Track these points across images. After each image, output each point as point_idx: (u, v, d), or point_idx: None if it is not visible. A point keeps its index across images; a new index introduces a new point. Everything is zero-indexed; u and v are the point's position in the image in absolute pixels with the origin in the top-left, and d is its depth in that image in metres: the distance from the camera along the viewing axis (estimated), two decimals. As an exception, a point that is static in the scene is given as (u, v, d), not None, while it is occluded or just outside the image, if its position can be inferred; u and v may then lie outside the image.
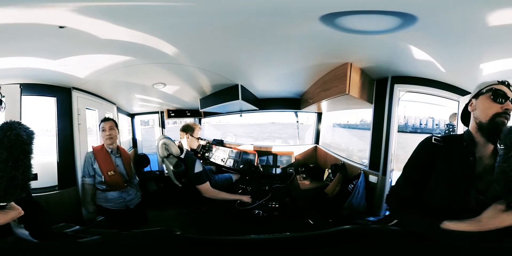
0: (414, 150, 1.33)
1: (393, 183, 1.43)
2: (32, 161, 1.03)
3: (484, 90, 1.24)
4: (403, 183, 1.34)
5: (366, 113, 2.78)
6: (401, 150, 2.50)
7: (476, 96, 1.27)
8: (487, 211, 1.05)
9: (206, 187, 2.62)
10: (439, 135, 1.32)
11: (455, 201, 1.17)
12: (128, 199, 2.48)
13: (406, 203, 1.29)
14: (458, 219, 1.09)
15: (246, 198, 2.74)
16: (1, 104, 1.25)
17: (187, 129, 2.79)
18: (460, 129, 2.34)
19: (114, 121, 2.55)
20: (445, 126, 3.03)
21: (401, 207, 1.31)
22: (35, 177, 1.09)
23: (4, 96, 1.29)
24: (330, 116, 3.91)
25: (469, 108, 1.30)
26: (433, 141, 1.28)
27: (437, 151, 1.26)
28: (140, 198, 2.62)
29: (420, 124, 3.85)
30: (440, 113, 2.53)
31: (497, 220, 1.01)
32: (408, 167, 1.34)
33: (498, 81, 1.24)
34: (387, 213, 2.43)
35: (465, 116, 1.36)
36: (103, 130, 2.47)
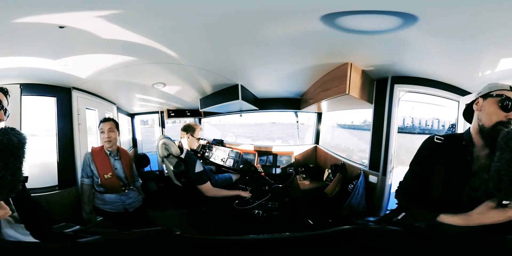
0: (418, 147, 1.42)
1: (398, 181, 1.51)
2: (32, 161, 1.09)
3: (494, 94, 1.23)
4: (410, 178, 1.43)
5: (370, 113, 2.77)
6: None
7: (485, 96, 1.27)
8: (479, 207, 1.11)
9: (207, 187, 2.63)
10: (441, 134, 1.38)
11: (450, 196, 1.25)
12: (128, 202, 2.42)
13: (413, 197, 1.38)
14: (451, 212, 1.17)
15: (245, 193, 2.78)
16: (5, 113, 1.26)
17: (188, 129, 2.79)
18: (460, 128, 2.34)
19: (115, 122, 2.45)
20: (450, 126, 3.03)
21: (409, 200, 1.40)
22: (25, 179, 1.14)
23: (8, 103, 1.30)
24: (333, 116, 3.91)
25: (474, 107, 1.31)
26: (435, 140, 1.35)
27: (438, 149, 1.33)
28: (141, 202, 2.54)
29: (426, 125, 3.85)
30: (445, 114, 2.52)
31: (485, 216, 1.08)
32: (414, 164, 1.43)
33: (510, 87, 1.24)
34: (387, 212, 2.44)
35: (468, 113, 1.39)
36: (101, 132, 2.37)
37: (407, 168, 1.46)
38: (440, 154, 1.32)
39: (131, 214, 2.42)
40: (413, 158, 1.44)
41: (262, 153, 3.75)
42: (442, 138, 1.35)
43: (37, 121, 2.64)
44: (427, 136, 1.41)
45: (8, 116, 1.27)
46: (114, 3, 1.44)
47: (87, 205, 2.40)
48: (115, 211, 2.37)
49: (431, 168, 1.33)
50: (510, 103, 1.18)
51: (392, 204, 2.45)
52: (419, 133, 3.72)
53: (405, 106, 2.63)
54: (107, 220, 2.44)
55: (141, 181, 2.65)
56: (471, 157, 1.27)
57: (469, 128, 1.33)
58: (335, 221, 2.56)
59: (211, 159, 3.99)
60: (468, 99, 1.41)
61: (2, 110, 1.21)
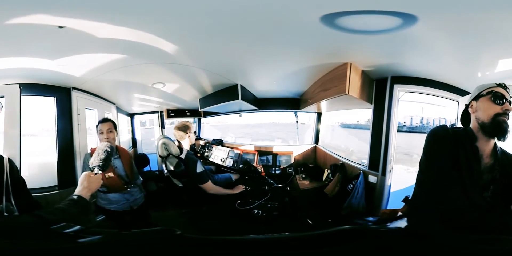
0: (431, 144, 1.29)
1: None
2: (32, 161, 1.11)
3: (484, 93, 1.30)
4: (438, 185, 1.21)
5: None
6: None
7: (476, 98, 1.33)
8: None
9: (209, 185, 2.67)
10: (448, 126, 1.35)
11: (467, 197, 1.18)
12: (131, 200, 2.43)
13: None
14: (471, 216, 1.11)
15: (240, 188, 2.88)
16: None
17: (186, 128, 2.81)
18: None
19: (113, 122, 2.43)
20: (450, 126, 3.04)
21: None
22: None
23: (3, 97, 1.30)
24: (337, 116, 3.90)
25: (470, 110, 1.35)
26: (449, 130, 1.30)
27: (456, 142, 1.27)
28: (143, 198, 2.55)
29: (434, 124, 3.89)
30: (451, 113, 2.53)
31: None
32: (436, 163, 1.24)
33: (496, 84, 1.30)
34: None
35: (465, 118, 1.41)
36: (100, 133, 2.35)
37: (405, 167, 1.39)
38: (459, 147, 1.25)
39: (135, 212, 2.44)
40: (431, 157, 1.28)
41: (262, 153, 3.76)
42: (450, 131, 1.31)
43: (36, 121, 2.64)
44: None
45: (2, 108, 1.27)
46: (114, 3, 1.44)
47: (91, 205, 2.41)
48: (121, 210, 2.38)
49: (457, 164, 1.20)
50: (500, 97, 1.26)
51: (392, 204, 2.46)
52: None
53: (415, 106, 2.62)
54: (112, 219, 2.43)
55: (141, 179, 2.64)
56: (481, 153, 1.27)
57: (469, 128, 1.34)
58: (334, 221, 2.56)
59: (211, 159, 4.00)
60: (467, 99, 1.41)
61: None
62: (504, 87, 1.29)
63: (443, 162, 1.22)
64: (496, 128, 1.23)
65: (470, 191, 1.18)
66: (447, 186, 1.19)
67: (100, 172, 1.49)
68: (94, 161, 1.54)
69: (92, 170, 1.52)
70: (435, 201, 1.22)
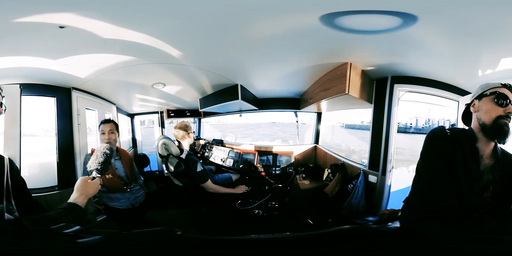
0: (428, 144, 1.26)
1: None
2: (32, 161, 1.11)
3: (487, 93, 1.26)
4: (430, 187, 1.18)
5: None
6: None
7: (479, 97, 1.28)
8: None
9: (209, 184, 2.69)
10: (447, 127, 1.32)
11: (463, 198, 1.16)
12: (132, 198, 2.45)
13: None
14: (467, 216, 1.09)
15: (242, 189, 2.89)
16: (1, 106, 1.26)
17: (186, 128, 2.82)
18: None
19: (115, 123, 2.44)
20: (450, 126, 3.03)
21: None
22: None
23: (4, 97, 1.30)
24: (339, 117, 3.89)
25: (472, 109, 1.32)
26: (447, 132, 1.26)
27: (453, 143, 1.24)
28: (144, 196, 2.59)
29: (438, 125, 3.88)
30: (453, 114, 2.52)
31: None
32: (431, 165, 1.22)
33: (501, 84, 1.25)
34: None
35: (466, 116, 1.38)
36: (102, 133, 2.36)
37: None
38: (456, 148, 1.21)
39: (137, 210, 2.47)
40: (426, 158, 1.24)
41: (261, 153, 3.76)
42: (449, 132, 1.27)
43: (37, 121, 2.64)
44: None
45: (5, 110, 1.28)
46: (114, 3, 1.44)
47: (90, 205, 2.41)
48: (122, 208, 2.40)
49: (453, 166, 1.18)
50: (504, 98, 1.21)
51: (392, 204, 2.45)
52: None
53: (421, 108, 2.61)
54: (114, 216, 2.46)
55: (142, 179, 2.66)
56: (478, 157, 1.24)
57: (470, 128, 1.31)
58: (334, 221, 2.56)
59: (211, 159, 4.00)
60: (467, 99, 1.38)
61: None
62: (509, 87, 1.24)
63: (437, 163, 1.20)
64: (496, 131, 1.20)
65: (466, 192, 1.16)
66: (437, 187, 1.16)
67: (99, 175, 1.45)
68: (92, 164, 1.49)
69: (90, 173, 1.48)
70: (423, 201, 1.18)
